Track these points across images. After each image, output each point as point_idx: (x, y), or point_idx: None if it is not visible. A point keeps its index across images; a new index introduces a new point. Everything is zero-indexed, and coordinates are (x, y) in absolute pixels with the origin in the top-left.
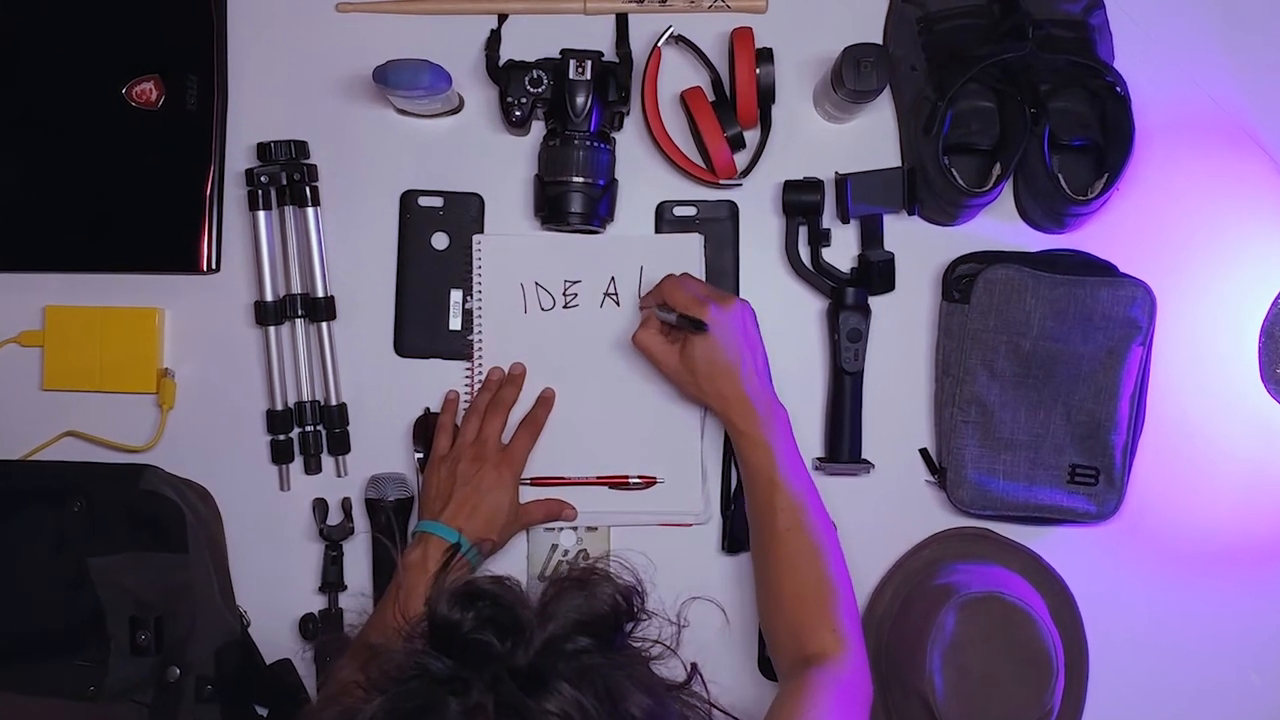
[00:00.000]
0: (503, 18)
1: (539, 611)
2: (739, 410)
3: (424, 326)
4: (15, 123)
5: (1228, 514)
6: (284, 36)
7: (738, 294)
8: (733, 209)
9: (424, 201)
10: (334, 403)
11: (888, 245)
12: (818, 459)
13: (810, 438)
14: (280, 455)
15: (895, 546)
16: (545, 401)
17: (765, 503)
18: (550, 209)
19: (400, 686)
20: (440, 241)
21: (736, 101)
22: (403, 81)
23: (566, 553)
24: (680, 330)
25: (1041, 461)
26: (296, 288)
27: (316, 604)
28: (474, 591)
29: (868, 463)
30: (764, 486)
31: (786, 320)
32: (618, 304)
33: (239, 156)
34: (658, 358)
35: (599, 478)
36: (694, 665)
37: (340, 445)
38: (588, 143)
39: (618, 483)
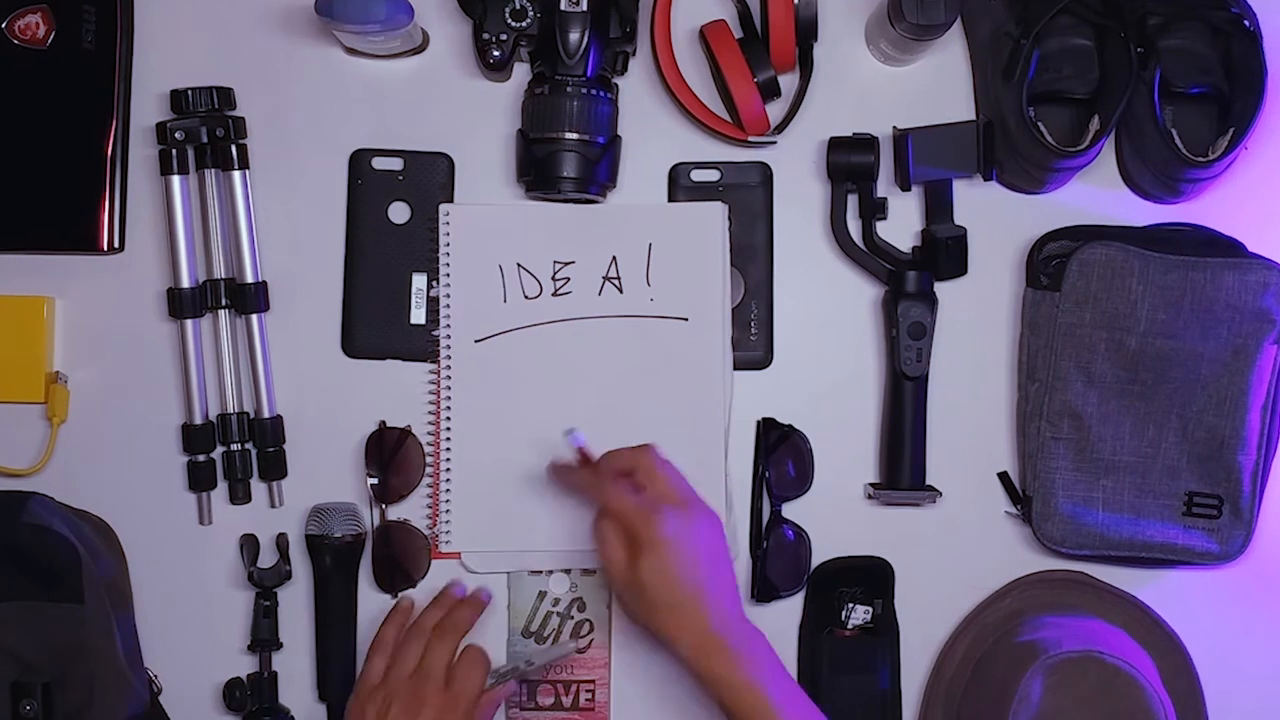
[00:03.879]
0: None
1: None
2: (709, 653)
3: (379, 320)
4: None
5: None
6: None
7: (770, 280)
8: (765, 173)
9: (379, 163)
10: (267, 415)
11: (958, 218)
12: (871, 485)
13: (862, 459)
14: (199, 481)
15: (968, 594)
16: (474, 603)
17: None
18: (537, 173)
19: None
20: (399, 213)
21: (769, 39)
22: (353, 13)
23: (557, 602)
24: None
25: (1151, 488)
26: (220, 271)
27: (245, 666)
28: None
29: (933, 490)
30: None
31: (831, 312)
32: (620, 291)
33: (148, 108)
34: (604, 554)
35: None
36: None
37: (274, 468)
38: (584, 90)
39: None
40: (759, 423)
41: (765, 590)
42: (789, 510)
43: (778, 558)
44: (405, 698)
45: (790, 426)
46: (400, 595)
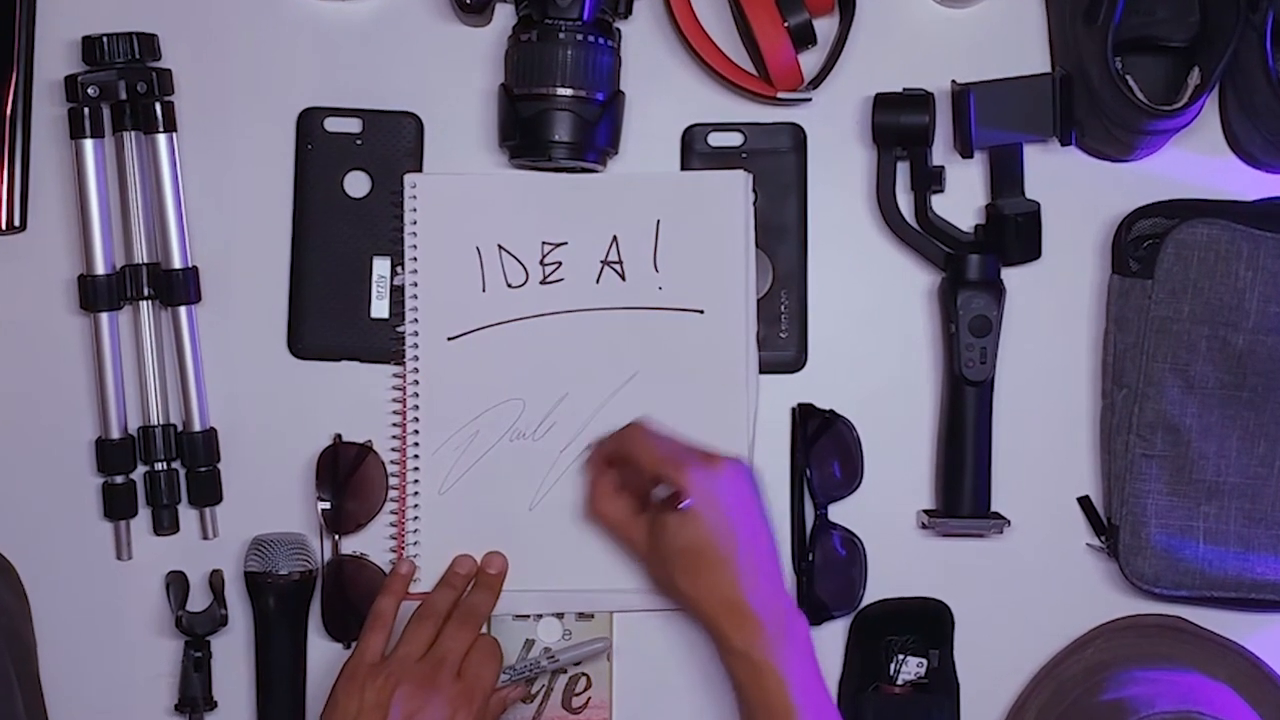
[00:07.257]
0: None
1: None
2: (734, 622)
3: (333, 314)
4: None
5: None
6: None
7: (803, 265)
8: (797, 136)
9: (333, 125)
10: (198, 428)
11: (1030, 191)
12: (926, 512)
13: (915, 481)
14: (117, 507)
15: (1042, 644)
16: (489, 584)
17: None
18: (523, 136)
19: None
20: (358, 185)
21: None
22: None
23: (548, 650)
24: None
25: (1262, 515)
26: (141, 255)
27: None
28: None
29: (1000, 518)
30: None
31: (877, 304)
32: (622, 277)
33: (55, 58)
34: (620, 533)
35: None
36: None
37: (207, 492)
38: (579, 37)
39: None
40: (794, 410)
41: (815, 611)
42: (836, 513)
43: (827, 572)
44: (414, 682)
45: (831, 412)
46: (400, 559)
